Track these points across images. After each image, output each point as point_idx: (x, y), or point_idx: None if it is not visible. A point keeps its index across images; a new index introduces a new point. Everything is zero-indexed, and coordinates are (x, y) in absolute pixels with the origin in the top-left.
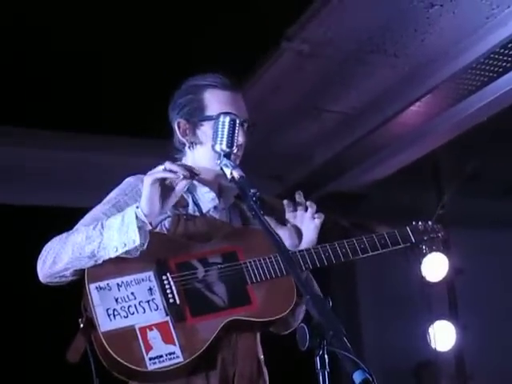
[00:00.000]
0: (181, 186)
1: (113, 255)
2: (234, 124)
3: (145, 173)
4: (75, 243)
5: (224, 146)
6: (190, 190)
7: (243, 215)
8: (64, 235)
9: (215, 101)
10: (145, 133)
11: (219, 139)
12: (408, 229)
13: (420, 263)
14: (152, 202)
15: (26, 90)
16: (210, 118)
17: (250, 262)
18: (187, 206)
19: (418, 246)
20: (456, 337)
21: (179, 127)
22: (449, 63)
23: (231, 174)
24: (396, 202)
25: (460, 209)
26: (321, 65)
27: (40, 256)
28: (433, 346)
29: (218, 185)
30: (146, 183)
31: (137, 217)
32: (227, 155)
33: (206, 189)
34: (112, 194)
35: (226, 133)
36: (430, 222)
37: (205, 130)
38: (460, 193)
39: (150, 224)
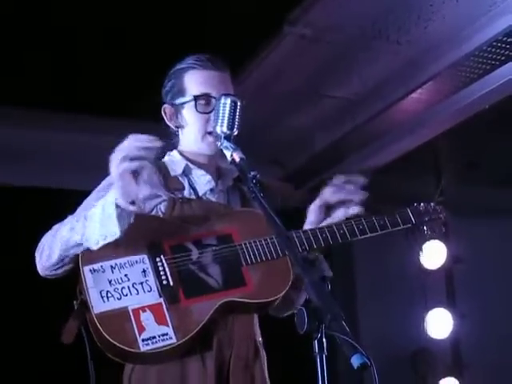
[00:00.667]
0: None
1: (95, 247)
2: (235, 105)
3: None
4: (62, 237)
5: (224, 128)
6: (186, 172)
7: (243, 197)
8: (55, 227)
9: (194, 82)
10: (146, 116)
11: (220, 121)
12: (408, 210)
13: (419, 250)
14: (128, 194)
15: (27, 70)
16: (187, 101)
17: (245, 244)
18: (183, 189)
19: (419, 228)
20: (453, 325)
21: (165, 112)
22: (451, 51)
23: (231, 156)
24: (395, 188)
25: (459, 197)
26: (323, 50)
27: (36, 250)
28: (429, 334)
29: (215, 167)
30: (114, 174)
31: (117, 206)
32: (228, 137)
33: (202, 171)
34: (104, 182)
35: (226, 114)
36: (431, 204)
37: (185, 113)
38: (459, 181)
39: (133, 203)
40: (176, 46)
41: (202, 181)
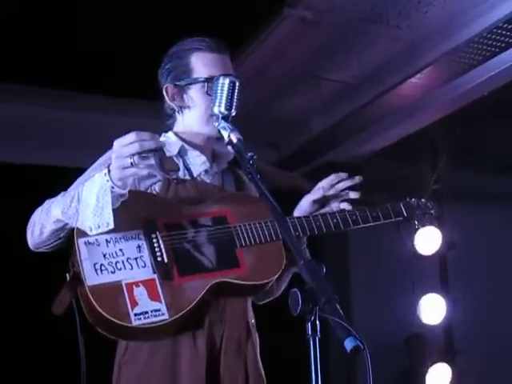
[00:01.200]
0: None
1: (90, 233)
2: (234, 86)
3: None
4: (54, 216)
5: (222, 109)
6: (181, 153)
7: (237, 180)
8: (46, 204)
9: (201, 63)
10: (144, 94)
11: (218, 101)
12: (401, 204)
13: (413, 236)
14: (125, 183)
15: (28, 47)
16: (196, 81)
17: (239, 226)
18: (178, 170)
19: (410, 221)
20: (446, 310)
21: (167, 92)
22: (451, 36)
23: (229, 136)
24: (392, 173)
25: (455, 184)
26: (322, 33)
27: (28, 227)
28: (422, 320)
29: (211, 149)
30: (115, 166)
31: (112, 191)
32: (225, 118)
33: (197, 152)
34: (100, 161)
35: (224, 95)
36: (423, 200)
37: (192, 93)
38: (455, 167)
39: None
40: (174, 29)
41: (197, 161)
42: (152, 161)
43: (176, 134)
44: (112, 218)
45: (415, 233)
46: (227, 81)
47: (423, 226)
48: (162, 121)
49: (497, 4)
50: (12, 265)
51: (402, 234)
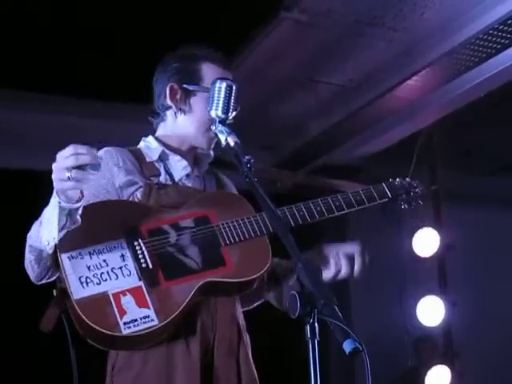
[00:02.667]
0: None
1: (50, 251)
2: (231, 90)
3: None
4: (31, 247)
5: (220, 112)
6: (162, 158)
7: (218, 182)
8: (28, 241)
9: (211, 75)
10: (143, 99)
11: (215, 105)
12: (384, 185)
13: (411, 238)
14: (71, 197)
15: (27, 53)
16: (205, 90)
17: (222, 225)
18: (159, 175)
19: (395, 202)
20: (445, 312)
21: (171, 91)
22: (447, 38)
23: (226, 140)
24: (389, 176)
25: (453, 185)
26: (318, 35)
27: (25, 265)
28: (421, 322)
29: (193, 154)
30: (54, 177)
31: (62, 208)
32: (222, 121)
33: (178, 157)
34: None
35: (222, 99)
36: (407, 179)
37: (196, 100)
38: (453, 169)
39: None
40: (171, 31)
41: (178, 166)
42: (90, 175)
43: (157, 138)
44: (57, 232)
45: (414, 228)
46: (224, 84)
47: (410, 206)
48: (141, 122)
49: (492, 6)
50: (10, 270)
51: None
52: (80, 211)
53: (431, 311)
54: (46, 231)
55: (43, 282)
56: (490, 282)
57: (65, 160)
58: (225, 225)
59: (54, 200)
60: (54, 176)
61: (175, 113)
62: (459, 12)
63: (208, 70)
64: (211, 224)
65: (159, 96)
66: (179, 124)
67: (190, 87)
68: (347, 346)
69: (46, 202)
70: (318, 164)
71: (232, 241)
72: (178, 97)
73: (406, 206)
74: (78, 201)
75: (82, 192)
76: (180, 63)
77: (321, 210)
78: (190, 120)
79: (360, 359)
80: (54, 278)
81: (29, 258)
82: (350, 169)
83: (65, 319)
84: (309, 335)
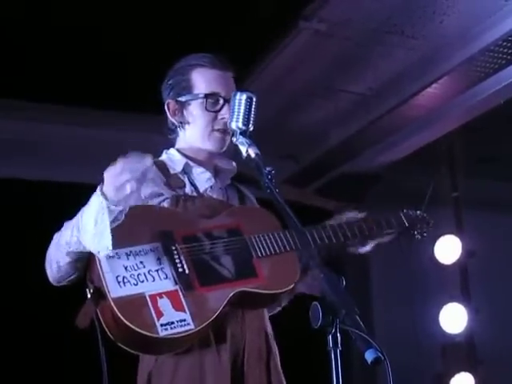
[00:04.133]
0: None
1: (100, 254)
2: (251, 101)
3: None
4: (64, 250)
5: (240, 124)
6: (186, 170)
7: (241, 196)
8: (55, 240)
9: (202, 80)
10: (155, 110)
11: (235, 116)
12: (402, 214)
13: (433, 245)
14: (124, 199)
15: (40, 65)
16: (195, 97)
17: (254, 237)
18: (184, 186)
19: (411, 231)
20: (467, 320)
21: (169, 108)
22: (466, 45)
23: (247, 151)
24: (410, 184)
25: (473, 191)
26: (338, 45)
27: (46, 263)
28: (444, 329)
29: (213, 165)
30: (114, 196)
31: (110, 211)
32: (243, 133)
33: (202, 169)
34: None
35: (242, 110)
36: (418, 212)
37: (192, 109)
38: (474, 176)
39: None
40: (187, 42)
41: (202, 178)
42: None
43: (179, 150)
44: (110, 242)
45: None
46: (244, 96)
47: (422, 236)
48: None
49: (511, 12)
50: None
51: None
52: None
53: (454, 318)
54: (90, 240)
55: (63, 283)
56: None
57: (119, 176)
58: (256, 238)
59: (101, 204)
60: (110, 188)
61: (181, 127)
62: (478, 19)
63: (198, 76)
64: (243, 236)
65: (166, 115)
66: (187, 136)
67: (183, 98)
68: (369, 356)
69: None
70: (340, 172)
71: (263, 253)
72: (177, 111)
73: (419, 237)
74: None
75: None
76: (173, 78)
77: (344, 233)
78: (193, 129)
79: (382, 368)
80: (71, 282)
81: (57, 258)
82: (370, 177)
83: (95, 320)
84: (331, 345)
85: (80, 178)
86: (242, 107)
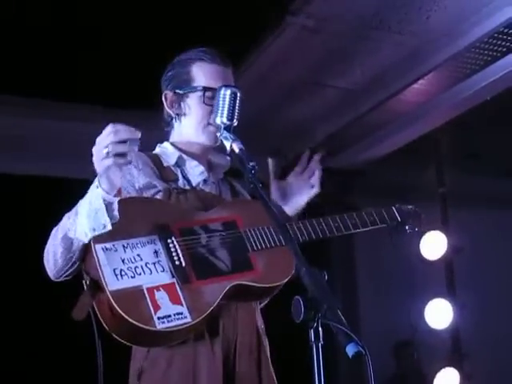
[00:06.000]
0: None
1: (86, 240)
2: (235, 97)
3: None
4: (60, 238)
5: (224, 119)
6: (179, 163)
7: (233, 190)
8: (53, 232)
9: (202, 74)
10: (145, 105)
11: (220, 111)
12: (394, 208)
13: (419, 241)
14: (113, 186)
15: (28, 59)
16: (194, 90)
17: (249, 231)
18: (177, 180)
19: (403, 226)
20: (453, 315)
21: (166, 99)
22: (453, 42)
23: (231, 146)
24: (396, 179)
25: (460, 188)
26: (324, 40)
27: (44, 258)
28: (429, 324)
29: (207, 159)
30: (99, 169)
31: (104, 199)
32: (227, 128)
33: (195, 162)
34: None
35: (226, 105)
36: (410, 206)
37: (189, 102)
38: (460, 172)
39: (118, 193)
40: (176, 38)
41: (196, 172)
42: (130, 150)
43: (172, 144)
44: (108, 220)
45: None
46: (229, 91)
47: (413, 230)
48: (160, 130)
49: (497, 9)
50: (13, 272)
51: (393, 238)
52: (117, 207)
53: (439, 314)
54: (85, 219)
55: (61, 279)
56: (498, 284)
57: (104, 138)
58: (252, 231)
59: (96, 191)
60: (94, 158)
61: (177, 119)
62: (464, 15)
63: (198, 70)
64: (239, 229)
65: (163, 106)
66: (183, 128)
67: (181, 91)
68: (350, 350)
69: (48, 208)
70: (325, 168)
71: (259, 247)
72: (174, 103)
73: (411, 231)
74: (115, 195)
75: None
76: (173, 70)
77: (338, 226)
78: (189, 122)
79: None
80: (71, 276)
81: (54, 250)
82: (357, 172)
83: (91, 312)
84: (313, 339)
85: (68, 173)
86: (227, 102)
